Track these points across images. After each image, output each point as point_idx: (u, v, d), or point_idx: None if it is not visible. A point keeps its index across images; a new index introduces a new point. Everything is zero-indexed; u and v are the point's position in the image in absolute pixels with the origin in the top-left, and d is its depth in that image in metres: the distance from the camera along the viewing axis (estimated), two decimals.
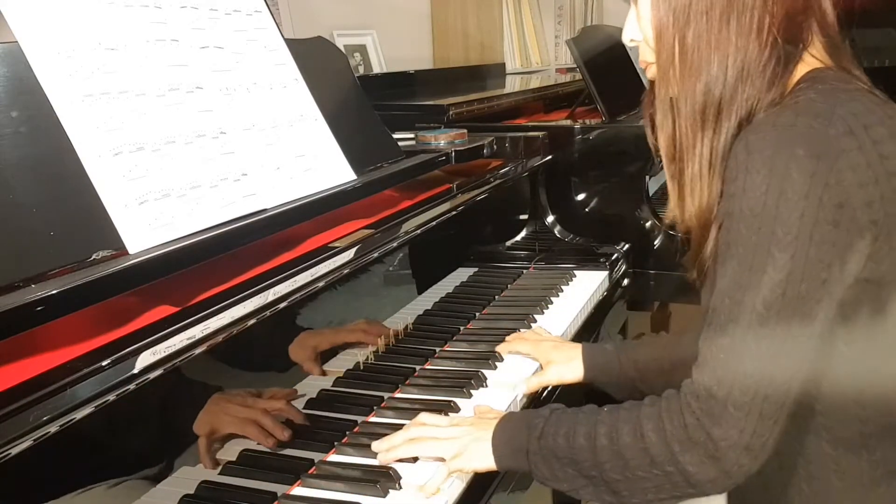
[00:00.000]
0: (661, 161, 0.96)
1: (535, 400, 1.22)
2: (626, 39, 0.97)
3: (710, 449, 0.80)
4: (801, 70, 0.87)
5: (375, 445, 1.00)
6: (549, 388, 1.25)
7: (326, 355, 1.13)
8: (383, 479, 0.95)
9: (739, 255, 0.80)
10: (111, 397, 0.76)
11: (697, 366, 0.84)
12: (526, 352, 1.29)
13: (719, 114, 0.86)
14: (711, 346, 0.83)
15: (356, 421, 1.09)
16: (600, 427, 0.88)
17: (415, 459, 0.98)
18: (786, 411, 0.81)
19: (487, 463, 0.96)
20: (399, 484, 0.94)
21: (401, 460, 0.98)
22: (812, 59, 0.88)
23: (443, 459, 0.97)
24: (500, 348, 1.31)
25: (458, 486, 0.97)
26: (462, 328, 1.42)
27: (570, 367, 1.23)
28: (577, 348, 1.25)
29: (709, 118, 0.87)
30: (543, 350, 1.27)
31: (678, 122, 0.90)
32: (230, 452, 0.94)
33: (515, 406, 1.17)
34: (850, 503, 0.90)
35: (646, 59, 0.94)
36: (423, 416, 1.04)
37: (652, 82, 0.95)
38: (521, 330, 1.38)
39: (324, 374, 1.12)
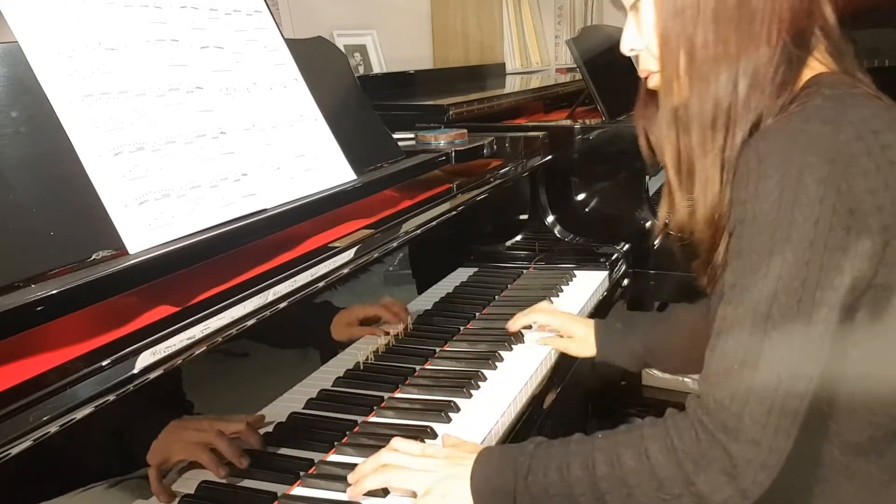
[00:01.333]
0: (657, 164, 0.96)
1: (537, 398, 1.22)
2: (626, 49, 0.93)
3: (728, 466, 0.77)
4: (805, 75, 0.87)
5: (350, 478, 0.93)
6: (549, 385, 1.26)
7: (328, 352, 1.13)
8: None
9: (753, 262, 0.78)
10: (111, 397, 0.76)
11: (705, 378, 0.81)
12: (544, 321, 1.33)
13: (729, 122, 0.85)
14: (723, 356, 0.79)
15: (356, 421, 1.09)
16: (598, 454, 0.83)
17: (385, 492, 0.92)
18: (799, 423, 0.79)
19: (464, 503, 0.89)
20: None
21: (371, 493, 0.91)
22: (817, 64, 0.87)
23: (414, 494, 0.90)
24: (517, 318, 1.35)
25: None
26: (462, 328, 1.42)
27: (588, 343, 1.28)
28: (591, 324, 1.30)
29: (719, 128, 0.85)
30: (566, 322, 1.32)
31: (685, 132, 0.87)
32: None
33: (518, 403, 1.17)
34: None
35: (648, 67, 0.92)
36: (396, 442, 0.96)
37: (650, 91, 0.94)
38: (542, 303, 1.41)
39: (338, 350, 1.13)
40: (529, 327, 1.38)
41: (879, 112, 0.82)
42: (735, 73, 0.84)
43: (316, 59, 1.35)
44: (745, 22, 0.83)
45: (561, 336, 1.32)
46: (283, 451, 1.00)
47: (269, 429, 1.00)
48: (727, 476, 0.77)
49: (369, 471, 0.92)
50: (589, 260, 1.76)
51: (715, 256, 0.91)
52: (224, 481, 0.92)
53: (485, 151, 1.56)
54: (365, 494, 0.91)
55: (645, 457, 0.80)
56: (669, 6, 0.85)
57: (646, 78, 0.94)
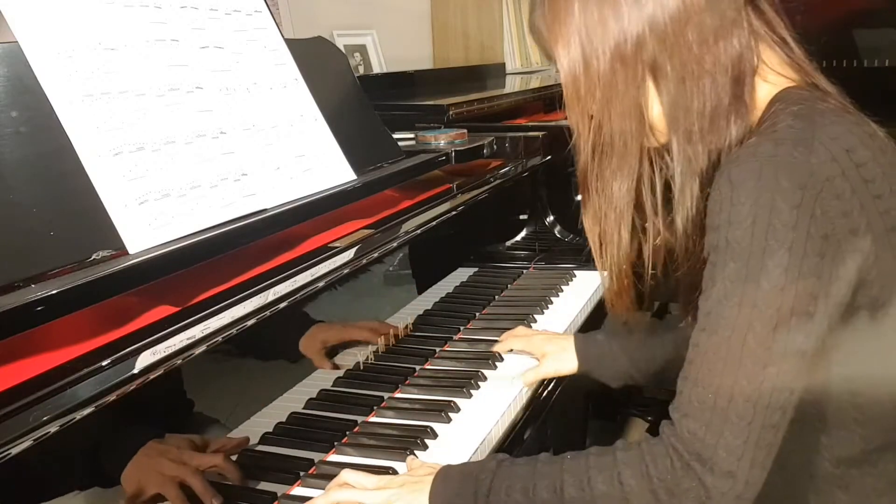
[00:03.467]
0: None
1: (537, 398, 1.22)
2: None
3: (702, 497, 0.75)
4: (769, 91, 0.85)
5: None
6: (549, 384, 1.25)
7: (329, 353, 1.13)
8: None
9: (727, 289, 0.76)
10: (111, 397, 0.76)
11: (678, 408, 0.79)
12: (519, 347, 1.29)
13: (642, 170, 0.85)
14: (696, 386, 0.77)
15: (356, 421, 1.09)
16: (567, 477, 0.80)
17: None
18: (774, 454, 0.77)
19: None
20: None
21: None
22: (780, 79, 0.85)
23: None
24: (495, 348, 1.31)
25: None
26: (462, 328, 1.42)
27: (564, 358, 1.23)
28: (570, 339, 1.25)
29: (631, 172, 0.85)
30: (536, 344, 1.27)
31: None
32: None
33: (518, 403, 1.17)
34: None
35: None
36: (346, 475, 0.91)
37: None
38: (515, 328, 1.37)
39: (336, 367, 1.12)
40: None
41: (852, 127, 0.80)
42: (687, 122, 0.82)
43: (316, 59, 1.35)
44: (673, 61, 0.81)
45: (536, 358, 1.26)
46: (283, 451, 1.00)
47: (269, 429, 1.00)
48: None
49: None
50: (589, 260, 1.75)
51: (683, 282, 0.89)
52: (224, 481, 0.92)
53: (485, 151, 1.56)
54: None
55: (618, 482, 0.78)
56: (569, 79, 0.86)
57: None
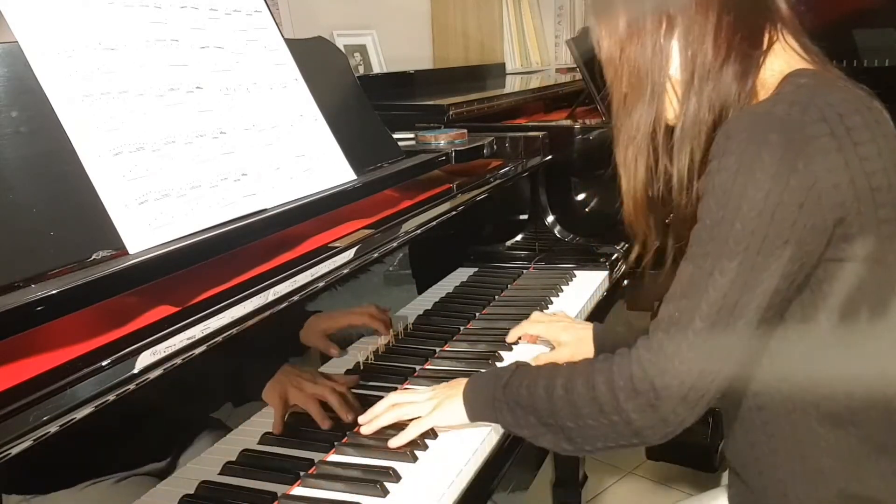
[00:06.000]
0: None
1: None
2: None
3: (651, 398, 0.86)
4: (781, 70, 0.91)
5: (361, 419, 1.06)
6: None
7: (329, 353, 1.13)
8: (383, 478, 0.95)
9: (706, 228, 0.84)
10: (111, 397, 0.76)
11: (654, 322, 0.89)
12: (536, 332, 1.32)
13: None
14: (670, 305, 0.87)
15: (357, 421, 1.09)
16: (558, 379, 0.94)
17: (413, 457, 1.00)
18: (727, 375, 0.86)
19: (460, 416, 1.03)
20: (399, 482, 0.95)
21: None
22: (794, 59, 0.92)
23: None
24: (512, 333, 1.33)
25: (458, 486, 0.97)
26: (462, 328, 1.42)
27: (580, 347, 1.26)
28: (588, 328, 1.28)
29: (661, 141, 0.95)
30: (554, 331, 1.30)
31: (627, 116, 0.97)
32: (230, 452, 0.95)
33: None
34: (842, 479, 0.92)
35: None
36: (393, 396, 1.10)
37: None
38: (533, 314, 1.38)
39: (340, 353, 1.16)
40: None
41: (851, 97, 0.87)
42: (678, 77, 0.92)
43: (316, 59, 1.35)
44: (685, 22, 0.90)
45: (552, 346, 1.30)
46: (283, 451, 1.00)
47: (270, 429, 1.00)
48: (650, 407, 0.86)
49: (382, 411, 1.06)
50: (589, 260, 1.76)
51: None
52: (224, 481, 0.92)
53: (485, 151, 1.56)
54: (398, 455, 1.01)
55: (591, 385, 0.90)
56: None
57: None
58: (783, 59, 0.92)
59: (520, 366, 1.03)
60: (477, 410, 1.02)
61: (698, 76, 0.90)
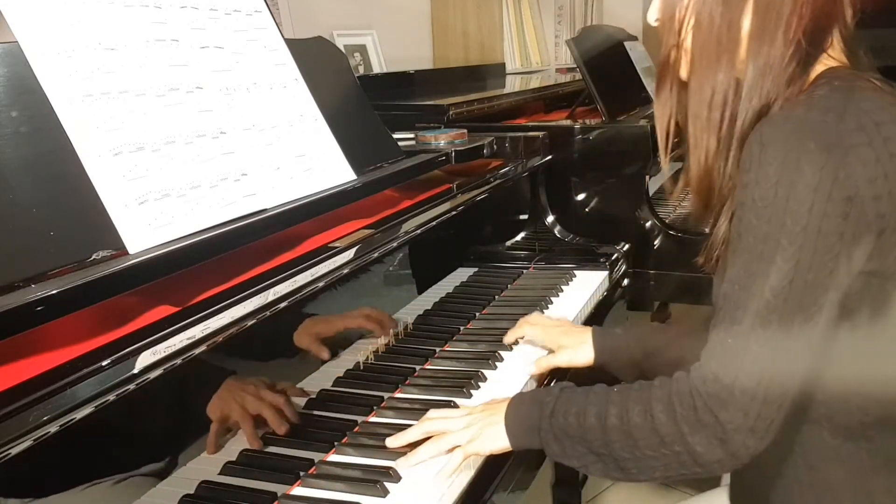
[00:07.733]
0: (659, 161, 0.97)
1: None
2: (651, 20, 0.95)
3: (718, 431, 0.82)
4: (818, 70, 0.88)
5: (390, 442, 1.01)
6: (550, 383, 1.25)
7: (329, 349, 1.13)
8: (383, 478, 0.95)
9: (749, 245, 0.81)
10: (111, 397, 0.76)
11: (706, 351, 0.86)
12: (533, 336, 1.31)
13: (727, 102, 0.88)
14: (720, 332, 0.84)
15: (356, 421, 1.09)
16: (611, 408, 0.90)
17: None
18: (790, 396, 0.83)
19: (502, 443, 0.98)
20: (399, 482, 0.95)
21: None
22: (830, 60, 0.89)
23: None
24: (509, 333, 1.32)
25: (458, 486, 0.97)
26: (462, 328, 1.42)
27: (580, 351, 1.25)
28: (588, 332, 1.26)
29: (716, 105, 0.89)
30: (553, 335, 1.28)
31: (691, 105, 0.91)
32: (230, 452, 0.95)
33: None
34: (850, 492, 0.91)
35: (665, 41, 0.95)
36: (431, 413, 1.05)
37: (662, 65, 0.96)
38: (529, 315, 1.38)
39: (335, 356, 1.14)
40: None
41: (886, 105, 0.83)
42: (752, 57, 0.86)
43: (316, 59, 1.35)
44: (769, 12, 0.85)
45: (550, 350, 1.29)
46: (283, 451, 1.00)
47: (269, 428, 1.00)
48: (718, 440, 0.83)
49: (415, 438, 1.00)
50: (589, 260, 1.76)
51: (715, 234, 0.94)
52: (224, 481, 0.92)
53: (485, 151, 1.56)
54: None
55: (650, 415, 0.86)
56: None
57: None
58: (823, 61, 0.90)
59: (564, 389, 0.98)
60: (521, 439, 0.98)
61: (759, 70, 0.87)
